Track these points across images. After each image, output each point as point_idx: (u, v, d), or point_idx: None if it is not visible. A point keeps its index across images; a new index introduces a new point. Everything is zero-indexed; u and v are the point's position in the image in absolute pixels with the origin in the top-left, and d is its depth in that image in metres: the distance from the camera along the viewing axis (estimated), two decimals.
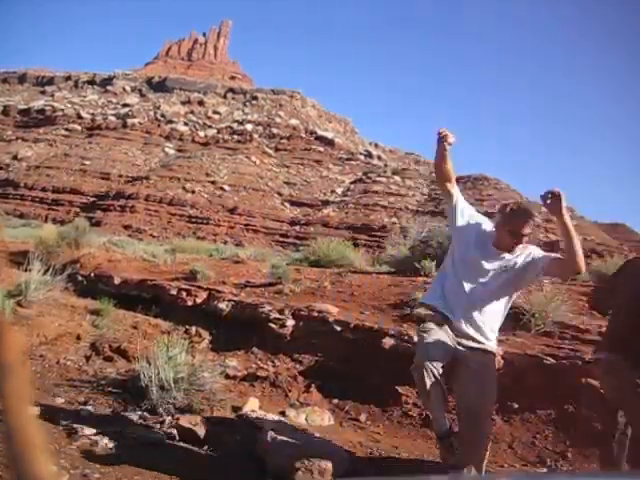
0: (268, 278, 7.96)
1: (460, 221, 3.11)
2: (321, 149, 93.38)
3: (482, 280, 2.98)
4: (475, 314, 2.98)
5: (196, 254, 12.21)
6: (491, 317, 3.04)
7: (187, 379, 4.21)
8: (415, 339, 5.21)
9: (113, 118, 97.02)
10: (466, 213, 3.16)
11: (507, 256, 2.98)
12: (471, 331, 2.97)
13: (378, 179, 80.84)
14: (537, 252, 3.02)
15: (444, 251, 8.01)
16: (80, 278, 8.98)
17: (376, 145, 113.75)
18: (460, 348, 2.95)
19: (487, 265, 2.98)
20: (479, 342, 2.99)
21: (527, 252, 3.01)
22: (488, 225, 3.11)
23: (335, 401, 5.08)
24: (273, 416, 4.32)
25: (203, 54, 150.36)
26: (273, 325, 6.19)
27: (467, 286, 2.99)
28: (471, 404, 2.87)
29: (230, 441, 3.83)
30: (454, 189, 3.16)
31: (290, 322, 6.16)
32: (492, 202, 73.17)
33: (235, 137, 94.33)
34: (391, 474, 3.60)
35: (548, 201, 2.74)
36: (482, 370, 2.94)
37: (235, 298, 7.01)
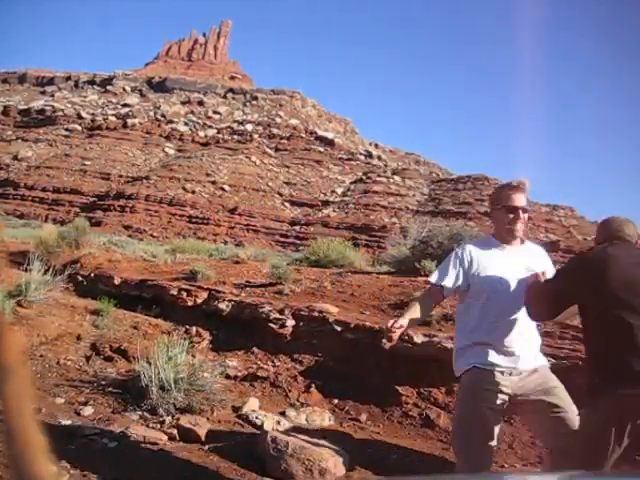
0: (268, 278, 7.96)
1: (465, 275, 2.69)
2: (321, 149, 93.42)
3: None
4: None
5: (196, 254, 12.21)
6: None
7: (187, 379, 4.21)
8: (415, 339, 5.22)
9: (113, 118, 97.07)
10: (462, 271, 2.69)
11: (509, 247, 2.66)
12: None
13: (378, 179, 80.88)
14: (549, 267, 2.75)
15: (444, 251, 8.04)
16: (80, 278, 8.98)
17: (376, 145, 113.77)
18: None
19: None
20: None
21: (543, 258, 2.76)
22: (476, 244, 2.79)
23: (335, 401, 5.08)
24: (273, 416, 4.32)
25: (203, 54, 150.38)
26: (273, 325, 6.19)
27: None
28: None
29: (230, 441, 3.83)
30: (447, 290, 2.70)
31: (290, 322, 6.16)
32: None
33: (235, 137, 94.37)
34: (391, 474, 3.60)
35: None
36: None
37: (235, 298, 7.00)
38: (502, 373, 2.52)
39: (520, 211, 2.60)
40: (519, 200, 2.61)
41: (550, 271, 2.71)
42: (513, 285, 2.58)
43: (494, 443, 2.53)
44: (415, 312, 2.65)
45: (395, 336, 2.52)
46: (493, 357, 2.54)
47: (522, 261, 2.64)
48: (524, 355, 2.58)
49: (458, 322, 2.83)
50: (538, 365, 2.66)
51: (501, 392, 2.51)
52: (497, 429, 2.55)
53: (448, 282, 2.66)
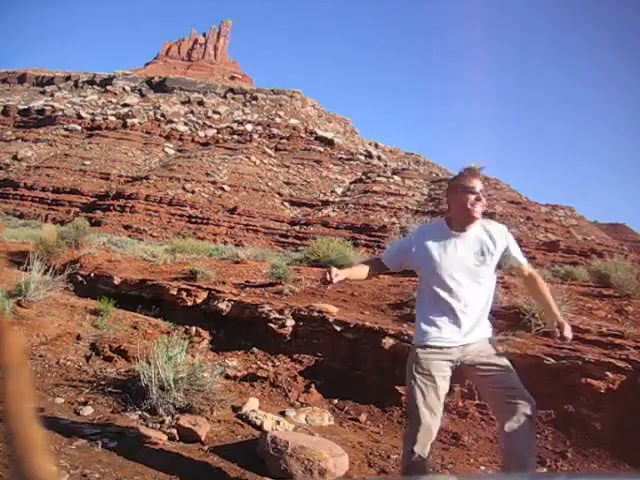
0: (268, 278, 7.96)
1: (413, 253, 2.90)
2: (321, 149, 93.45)
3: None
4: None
5: (196, 254, 12.20)
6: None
7: (187, 379, 4.21)
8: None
9: (113, 118, 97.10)
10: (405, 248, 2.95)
11: (463, 234, 2.77)
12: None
13: (378, 179, 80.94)
14: (514, 247, 2.83)
15: None
16: (80, 278, 8.99)
17: (376, 145, 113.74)
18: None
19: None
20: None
21: (504, 238, 2.80)
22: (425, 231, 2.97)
23: (335, 401, 5.08)
24: (273, 416, 4.32)
25: (203, 54, 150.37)
26: (273, 325, 6.19)
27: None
28: None
29: (230, 441, 3.83)
30: (394, 263, 2.99)
31: (290, 322, 6.16)
32: (492, 202, 73.40)
33: (235, 137, 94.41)
34: (391, 474, 3.60)
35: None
36: None
37: (235, 298, 7.00)
38: (446, 348, 2.74)
39: (477, 194, 2.75)
40: (479, 184, 2.76)
41: (514, 249, 2.82)
42: (461, 271, 2.74)
43: (438, 411, 2.76)
44: (352, 272, 3.00)
45: (330, 282, 2.78)
46: (439, 334, 2.75)
47: (475, 248, 2.77)
48: (468, 331, 2.75)
49: (417, 298, 3.01)
50: (480, 338, 2.81)
51: (445, 362, 2.75)
52: (442, 396, 2.78)
53: (387, 259, 2.98)
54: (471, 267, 2.73)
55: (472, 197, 2.72)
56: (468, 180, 2.75)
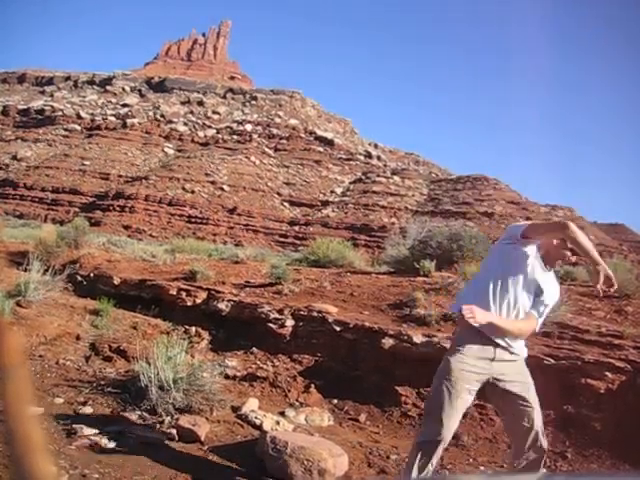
0: (267, 278, 7.96)
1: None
2: (321, 149, 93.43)
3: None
4: None
5: (196, 254, 12.20)
6: None
7: (186, 379, 4.21)
8: (415, 339, 5.22)
9: (113, 118, 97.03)
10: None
11: (548, 273, 2.91)
12: None
13: (378, 179, 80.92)
14: (545, 308, 2.96)
15: (443, 251, 8.05)
16: (79, 278, 8.98)
17: (376, 145, 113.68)
18: None
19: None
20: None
21: (554, 292, 2.96)
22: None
23: (334, 401, 5.08)
24: (272, 416, 4.32)
25: (203, 54, 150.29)
26: (272, 325, 6.19)
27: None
28: None
29: (229, 441, 3.83)
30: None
31: (290, 322, 6.16)
32: (491, 202, 73.42)
33: (234, 137, 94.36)
34: (391, 474, 3.60)
35: None
36: None
37: (235, 298, 7.00)
38: (497, 347, 2.80)
39: (575, 257, 2.88)
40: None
41: (543, 308, 2.93)
42: (523, 291, 2.85)
43: (461, 413, 2.83)
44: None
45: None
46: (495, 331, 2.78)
47: (539, 284, 2.88)
48: (517, 341, 2.88)
49: (488, 273, 2.94)
50: (522, 355, 2.95)
51: (485, 366, 2.79)
52: (470, 400, 2.84)
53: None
54: (527, 298, 2.85)
55: (567, 256, 2.85)
56: (577, 243, 2.77)
